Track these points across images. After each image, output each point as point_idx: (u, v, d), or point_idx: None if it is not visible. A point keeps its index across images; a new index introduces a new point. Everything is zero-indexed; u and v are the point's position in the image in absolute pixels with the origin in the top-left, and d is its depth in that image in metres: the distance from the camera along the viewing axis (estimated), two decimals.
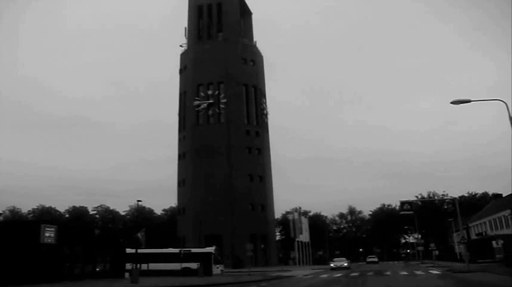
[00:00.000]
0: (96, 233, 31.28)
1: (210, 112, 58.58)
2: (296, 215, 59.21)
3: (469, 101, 17.38)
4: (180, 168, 59.28)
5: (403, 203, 33.14)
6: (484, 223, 60.20)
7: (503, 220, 52.83)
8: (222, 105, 58.10)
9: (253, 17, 71.79)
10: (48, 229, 21.66)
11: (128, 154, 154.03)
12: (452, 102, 17.73)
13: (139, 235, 24.64)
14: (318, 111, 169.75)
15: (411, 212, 35.27)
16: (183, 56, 65.15)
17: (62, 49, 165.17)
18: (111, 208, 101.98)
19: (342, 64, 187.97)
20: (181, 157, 59.47)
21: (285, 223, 75.90)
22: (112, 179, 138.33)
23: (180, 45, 66.22)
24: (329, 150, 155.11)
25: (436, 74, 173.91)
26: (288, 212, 59.72)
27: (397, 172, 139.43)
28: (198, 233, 47.56)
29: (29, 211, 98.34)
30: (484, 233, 57.81)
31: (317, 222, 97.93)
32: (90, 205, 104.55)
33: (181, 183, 58.06)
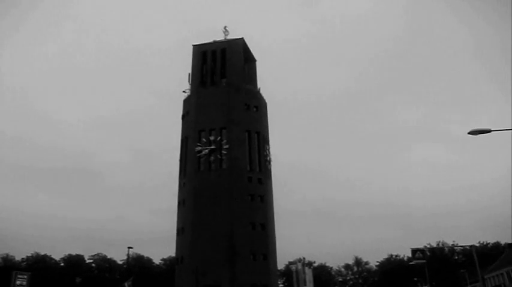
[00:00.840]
0: (78, 281, 29.37)
1: (212, 158, 57.22)
2: (299, 265, 56.73)
3: (489, 131, 16.05)
4: (179, 216, 57.35)
5: (414, 251, 31.31)
6: (502, 274, 57.45)
7: None
8: (224, 151, 56.81)
9: (258, 64, 72.03)
10: (20, 277, 20.28)
11: (132, 204, 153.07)
12: (470, 133, 16.43)
13: (126, 284, 22.99)
14: (321, 166, 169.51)
15: (423, 261, 33.28)
16: (186, 101, 64.65)
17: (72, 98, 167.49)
18: (108, 257, 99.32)
19: (343, 117, 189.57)
20: (180, 204, 57.66)
21: (289, 274, 73.24)
22: (114, 229, 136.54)
23: (183, 91, 65.85)
24: (332, 203, 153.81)
25: (439, 124, 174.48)
26: (290, 263, 57.08)
27: (403, 224, 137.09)
28: (195, 283, 45.15)
29: (23, 258, 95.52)
30: (502, 286, 55.01)
31: (322, 273, 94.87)
32: (88, 254, 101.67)
33: (180, 231, 55.96)
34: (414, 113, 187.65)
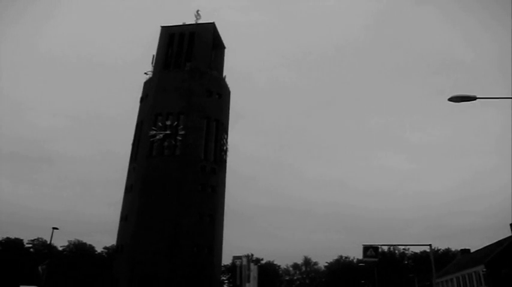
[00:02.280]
0: None
1: (166, 144, 53.71)
2: (244, 260, 53.83)
3: (474, 99, 13.65)
4: (125, 202, 53.50)
5: (366, 248, 28.75)
6: (451, 279, 56.20)
7: (474, 277, 48.91)
8: (179, 137, 53.39)
9: (226, 52, 69.13)
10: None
11: (91, 197, 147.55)
12: (451, 99, 13.97)
13: (39, 268, 19.96)
14: (280, 162, 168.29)
15: (375, 259, 30.67)
16: (146, 84, 61.05)
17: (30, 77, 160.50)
18: (49, 242, 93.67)
19: (306, 117, 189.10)
20: (128, 189, 53.87)
21: (234, 269, 70.34)
22: (65, 219, 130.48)
23: (145, 73, 62.08)
24: (290, 201, 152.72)
25: (398, 133, 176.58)
26: (235, 257, 54.28)
27: (355, 226, 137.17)
28: (131, 273, 41.67)
29: None
30: None
31: (268, 271, 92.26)
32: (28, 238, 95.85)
33: (123, 218, 52.15)
34: (378, 120, 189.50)
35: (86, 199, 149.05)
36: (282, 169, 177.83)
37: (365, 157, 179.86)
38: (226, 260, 60.22)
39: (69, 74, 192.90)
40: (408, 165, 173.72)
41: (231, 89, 63.79)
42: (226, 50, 69.19)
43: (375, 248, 29.23)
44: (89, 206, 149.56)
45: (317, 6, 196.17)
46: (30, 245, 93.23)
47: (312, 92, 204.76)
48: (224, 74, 65.54)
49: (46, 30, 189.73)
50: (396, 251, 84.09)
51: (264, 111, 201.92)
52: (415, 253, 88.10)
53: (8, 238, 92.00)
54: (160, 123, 54.67)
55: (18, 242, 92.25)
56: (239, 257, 53.62)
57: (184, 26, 64.12)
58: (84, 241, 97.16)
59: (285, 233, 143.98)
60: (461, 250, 65.83)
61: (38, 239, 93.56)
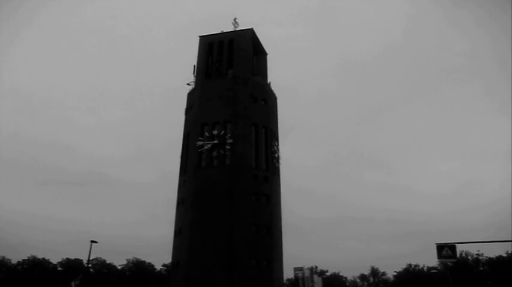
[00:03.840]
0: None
1: (215, 154, 52.25)
2: (307, 272, 50.96)
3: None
4: (177, 216, 52.30)
5: (441, 247, 25.06)
6: None
7: None
8: (227, 147, 51.79)
9: (269, 63, 67.12)
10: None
11: (142, 211, 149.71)
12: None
13: (73, 283, 18.59)
14: (335, 172, 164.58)
15: (453, 260, 26.87)
16: (190, 95, 59.94)
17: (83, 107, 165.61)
18: (108, 262, 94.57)
19: (356, 125, 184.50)
20: (180, 203, 52.64)
21: (297, 282, 67.55)
22: (125, 235, 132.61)
23: (188, 84, 61.00)
24: (349, 210, 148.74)
25: (456, 137, 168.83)
26: (296, 269, 51.57)
27: (422, 232, 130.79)
28: None
29: (18, 262, 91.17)
30: None
31: (334, 283, 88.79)
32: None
33: (177, 233, 50.88)
34: (431, 125, 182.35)
35: (149, 221, 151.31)
36: (338, 179, 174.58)
37: (423, 162, 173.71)
38: (288, 274, 57.50)
39: (115, 100, 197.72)
40: (465, 169, 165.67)
41: (278, 101, 61.68)
42: (269, 59, 67.18)
43: (451, 246, 25.27)
44: (152, 228, 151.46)
45: (354, 15, 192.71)
46: (90, 265, 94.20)
47: (358, 101, 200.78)
48: (268, 80, 63.56)
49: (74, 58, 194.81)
50: (469, 257, 78.25)
51: (313, 122, 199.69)
52: (490, 259, 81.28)
53: (68, 259, 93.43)
54: (207, 134, 53.28)
55: (78, 262, 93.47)
56: (300, 269, 50.89)
57: (222, 34, 62.74)
58: (143, 259, 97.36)
59: (348, 243, 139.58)
60: None
61: (96, 259, 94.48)
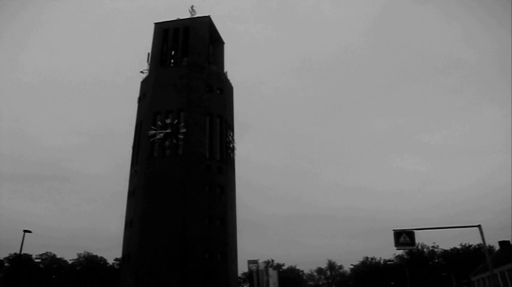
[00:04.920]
0: None
1: (167, 143, 50.48)
2: (262, 265, 49.83)
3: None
4: (128, 207, 50.18)
5: (398, 234, 23.53)
6: (495, 275, 51.55)
7: None
8: (180, 136, 50.08)
9: (227, 59, 65.61)
10: None
11: (97, 204, 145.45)
12: None
13: None
14: (293, 170, 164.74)
15: (412, 247, 25.40)
16: (144, 83, 57.73)
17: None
18: (58, 256, 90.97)
19: (314, 124, 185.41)
20: (131, 194, 50.60)
21: (251, 276, 66.52)
22: (80, 232, 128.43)
23: (141, 72, 58.82)
24: (308, 208, 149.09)
25: (409, 135, 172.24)
26: (250, 262, 50.45)
27: (378, 229, 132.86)
28: (140, 284, 38.34)
29: None
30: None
31: (291, 276, 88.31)
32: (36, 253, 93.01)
33: (127, 225, 48.86)
34: (388, 123, 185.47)
35: (103, 214, 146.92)
36: (296, 177, 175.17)
37: (379, 160, 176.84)
38: (244, 268, 56.21)
39: (68, 91, 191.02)
40: (423, 166, 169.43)
41: (236, 95, 60.33)
42: (227, 53, 65.80)
43: (409, 233, 23.65)
44: (106, 221, 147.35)
45: (314, 14, 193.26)
46: (39, 260, 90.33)
47: (318, 99, 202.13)
48: (225, 70, 62.13)
49: (30, 41, 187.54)
50: (425, 250, 79.21)
51: (271, 120, 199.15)
52: (445, 251, 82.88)
53: (15, 254, 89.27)
54: (159, 123, 51.42)
55: (26, 257, 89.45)
56: (255, 262, 49.63)
57: (178, 21, 60.83)
58: (95, 254, 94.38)
59: (306, 240, 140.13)
60: (500, 242, 59.90)
61: (46, 253, 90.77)
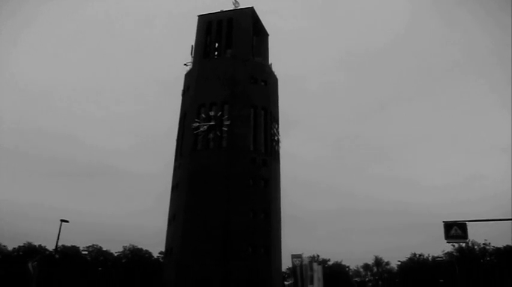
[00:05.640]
0: None
1: (211, 136, 49.77)
2: (306, 260, 48.31)
3: None
4: (172, 201, 49.92)
5: (449, 226, 21.17)
6: None
7: None
8: (224, 128, 49.25)
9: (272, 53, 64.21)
10: None
11: (147, 201, 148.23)
12: None
13: (30, 265, 16.87)
14: (340, 165, 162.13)
15: (465, 240, 22.76)
16: (187, 75, 57.24)
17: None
18: (104, 249, 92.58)
19: (362, 119, 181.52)
20: (174, 188, 50.25)
21: (295, 271, 65.06)
22: (129, 225, 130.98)
23: (185, 64, 58.27)
24: (355, 203, 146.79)
25: (460, 132, 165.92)
26: (294, 256, 48.96)
27: (427, 224, 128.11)
28: (180, 278, 37.74)
29: (14, 248, 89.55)
30: None
31: (336, 272, 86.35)
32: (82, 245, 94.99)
33: (171, 219, 48.53)
34: (437, 118, 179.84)
35: (152, 210, 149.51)
36: (344, 172, 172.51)
37: (429, 156, 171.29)
38: (288, 263, 54.62)
39: (116, 90, 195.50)
40: (474, 161, 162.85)
41: (281, 89, 58.82)
42: (272, 48, 63.97)
43: (460, 225, 21.23)
44: (154, 217, 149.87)
45: (358, 9, 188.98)
46: (86, 253, 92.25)
47: (364, 94, 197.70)
48: (270, 62, 60.72)
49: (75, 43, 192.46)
50: (476, 247, 75.16)
51: (317, 115, 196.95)
52: (498, 248, 77.94)
53: (63, 246, 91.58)
54: (203, 115, 50.75)
55: (74, 249, 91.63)
56: (299, 256, 48.14)
57: (221, 13, 59.98)
58: (140, 247, 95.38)
59: (353, 235, 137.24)
60: None
61: (92, 246, 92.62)
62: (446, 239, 21.82)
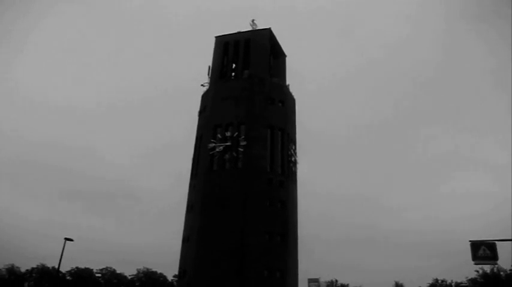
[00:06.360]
0: None
1: (227, 157, 48.98)
2: (324, 285, 46.57)
3: None
4: (186, 222, 48.92)
5: (476, 246, 19.52)
6: None
7: None
8: (240, 149, 48.43)
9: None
10: None
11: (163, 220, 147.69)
12: None
13: (26, 285, 15.28)
14: (352, 194, 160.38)
15: (495, 263, 20.86)
16: (204, 96, 56.96)
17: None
18: (118, 271, 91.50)
19: (380, 146, 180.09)
20: (189, 209, 49.35)
21: None
22: (145, 246, 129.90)
23: (202, 85, 58.10)
24: (373, 232, 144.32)
25: (474, 153, 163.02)
26: (310, 280, 47.29)
27: (448, 252, 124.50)
28: None
29: (27, 270, 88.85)
30: None
31: None
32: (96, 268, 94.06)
33: (185, 241, 47.49)
34: (450, 142, 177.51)
35: (165, 230, 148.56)
36: (356, 202, 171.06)
37: (442, 183, 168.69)
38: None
39: (131, 108, 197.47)
40: (493, 187, 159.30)
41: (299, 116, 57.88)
42: (291, 71, 63.95)
43: (489, 244, 19.54)
44: (168, 237, 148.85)
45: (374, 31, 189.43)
46: (99, 275, 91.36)
47: (369, 112, 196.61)
48: (287, 82, 60.25)
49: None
50: (502, 273, 72.11)
51: (332, 141, 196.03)
52: None
53: (77, 268, 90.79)
54: (219, 135, 50.11)
55: (87, 271, 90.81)
56: (316, 280, 46.47)
57: (239, 33, 59.98)
58: (155, 270, 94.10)
59: (370, 262, 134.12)
60: None
61: (106, 268, 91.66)
62: (473, 260, 20.23)
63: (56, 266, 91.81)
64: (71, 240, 30.37)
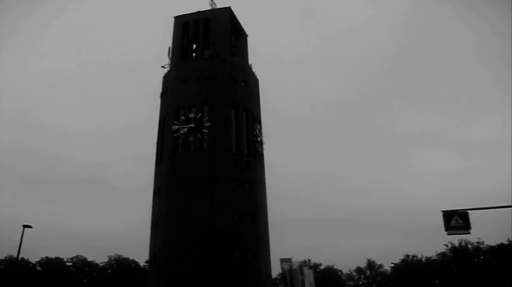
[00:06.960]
0: None
1: (191, 138, 48.33)
2: (296, 264, 46.78)
3: None
4: (154, 207, 48.30)
5: (448, 216, 19.07)
6: None
7: None
8: (205, 130, 47.85)
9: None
10: None
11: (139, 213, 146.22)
12: None
13: None
14: (320, 174, 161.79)
15: (467, 232, 20.34)
16: (165, 78, 55.78)
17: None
18: (89, 259, 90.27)
19: (346, 125, 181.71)
20: (156, 193, 48.71)
21: (284, 275, 63.61)
22: (118, 237, 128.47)
23: (162, 67, 56.82)
24: (343, 211, 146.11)
25: (442, 131, 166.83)
26: (283, 260, 47.61)
27: (418, 230, 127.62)
28: (166, 285, 36.33)
29: None
30: None
31: (329, 276, 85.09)
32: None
33: (154, 225, 46.97)
34: (417, 120, 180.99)
35: (135, 214, 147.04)
36: (324, 182, 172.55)
37: (410, 159, 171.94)
38: (279, 268, 53.17)
39: (92, 88, 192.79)
40: (458, 164, 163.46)
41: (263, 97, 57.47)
42: (254, 53, 63.08)
43: (462, 214, 19.04)
44: (139, 222, 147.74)
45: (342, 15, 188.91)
46: (70, 264, 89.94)
47: (336, 92, 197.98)
48: (250, 62, 59.52)
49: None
50: (469, 246, 74.05)
51: (296, 120, 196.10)
52: (491, 247, 76.81)
53: (47, 257, 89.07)
54: (183, 117, 49.34)
55: (57, 261, 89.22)
56: (288, 260, 46.67)
57: (198, 13, 58.58)
58: (127, 256, 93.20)
59: (343, 243, 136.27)
60: None
61: (77, 256, 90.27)
62: (446, 230, 19.89)
63: (26, 257, 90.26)
64: (30, 227, 29.56)
